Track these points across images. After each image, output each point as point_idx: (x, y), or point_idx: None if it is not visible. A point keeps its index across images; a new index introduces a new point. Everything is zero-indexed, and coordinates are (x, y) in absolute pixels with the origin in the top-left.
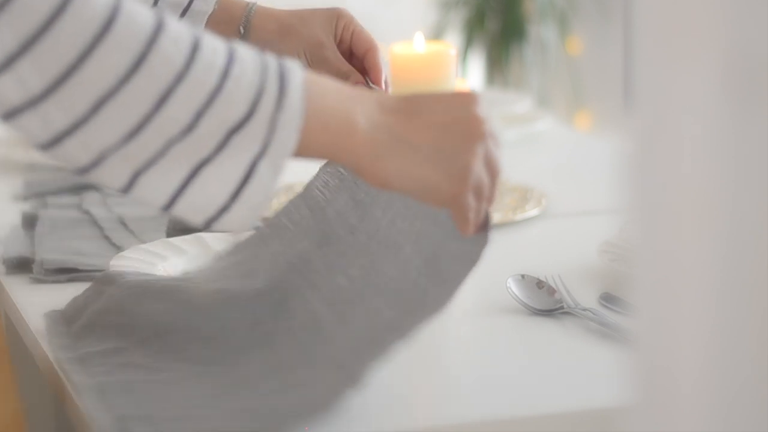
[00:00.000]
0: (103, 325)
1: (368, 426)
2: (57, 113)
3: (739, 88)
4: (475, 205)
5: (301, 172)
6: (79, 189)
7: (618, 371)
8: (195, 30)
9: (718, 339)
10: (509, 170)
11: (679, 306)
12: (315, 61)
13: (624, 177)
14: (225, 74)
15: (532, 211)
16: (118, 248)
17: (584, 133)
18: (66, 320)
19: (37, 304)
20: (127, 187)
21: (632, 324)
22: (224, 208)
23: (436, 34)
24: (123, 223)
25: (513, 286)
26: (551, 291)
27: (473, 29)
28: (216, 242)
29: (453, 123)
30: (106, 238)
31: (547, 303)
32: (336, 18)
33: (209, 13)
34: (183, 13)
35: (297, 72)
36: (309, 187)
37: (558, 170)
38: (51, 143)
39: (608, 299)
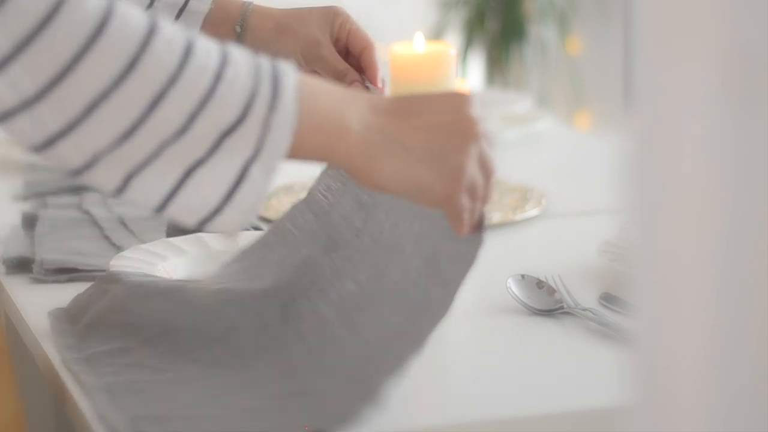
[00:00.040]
0: (108, 324)
1: (368, 426)
2: (50, 115)
3: (739, 88)
4: (470, 206)
5: (301, 173)
6: (79, 189)
7: (618, 371)
8: (188, 32)
9: (718, 339)
10: (509, 170)
11: (679, 306)
12: (312, 60)
13: (624, 177)
14: (218, 77)
15: (532, 211)
16: (118, 248)
17: (584, 133)
18: (70, 318)
19: (37, 304)
20: (120, 189)
21: (632, 324)
22: (217, 210)
23: (436, 34)
24: (123, 223)
25: (513, 286)
26: (551, 291)
27: (473, 29)
28: (216, 242)
29: (446, 124)
30: (106, 238)
31: (547, 303)
32: (333, 17)
33: (206, 12)
34: (179, 13)
35: (290, 74)
36: (312, 191)
37: (558, 170)
38: (44, 145)
39: (608, 299)
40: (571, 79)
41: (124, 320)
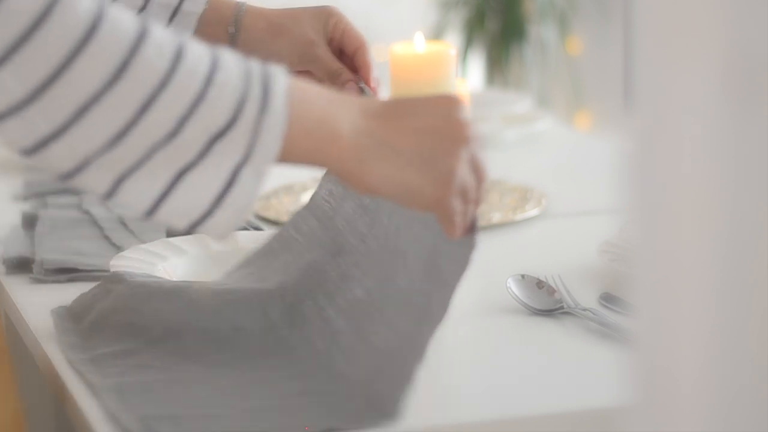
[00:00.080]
0: (113, 324)
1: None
2: (40, 119)
3: (739, 88)
4: (461, 209)
5: (301, 173)
6: (80, 189)
7: (618, 371)
8: (179, 36)
9: (718, 339)
10: (509, 170)
11: (679, 306)
12: (305, 60)
13: (624, 177)
14: (208, 81)
15: (532, 211)
16: (118, 248)
17: (584, 133)
18: (73, 317)
19: (37, 304)
20: (111, 193)
21: (632, 324)
22: (207, 214)
23: (436, 34)
24: (123, 223)
25: (513, 286)
26: (551, 291)
27: (473, 29)
28: (216, 242)
29: (436, 127)
30: (106, 238)
31: (547, 303)
32: (326, 16)
33: (200, 13)
34: (173, 14)
35: (281, 78)
36: (314, 197)
37: (558, 170)
38: (34, 149)
39: (608, 299)
40: (571, 79)
41: (128, 320)
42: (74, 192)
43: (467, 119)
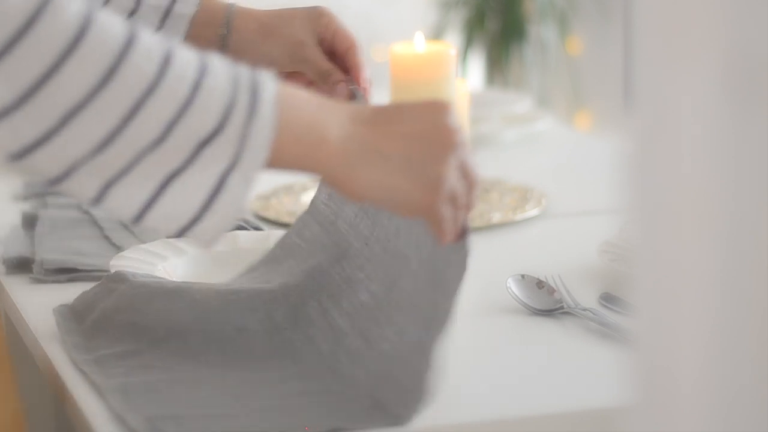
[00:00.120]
0: (116, 324)
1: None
2: (26, 125)
3: (739, 88)
4: (451, 215)
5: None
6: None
7: (618, 371)
8: (168, 42)
9: (718, 339)
10: (509, 170)
11: (679, 306)
12: (296, 61)
13: (624, 177)
14: (196, 86)
15: (532, 211)
16: (118, 248)
17: (584, 133)
18: (75, 316)
19: (37, 304)
20: (98, 199)
21: (632, 324)
22: (195, 219)
23: (436, 34)
24: (123, 223)
25: (513, 286)
26: (551, 291)
27: (473, 29)
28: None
29: (425, 133)
30: (106, 238)
31: (547, 303)
32: (317, 17)
33: (191, 15)
34: (165, 16)
35: (269, 84)
36: (314, 202)
37: (558, 170)
38: (20, 155)
39: (608, 299)
40: (571, 79)
41: (131, 320)
42: None
43: (456, 125)
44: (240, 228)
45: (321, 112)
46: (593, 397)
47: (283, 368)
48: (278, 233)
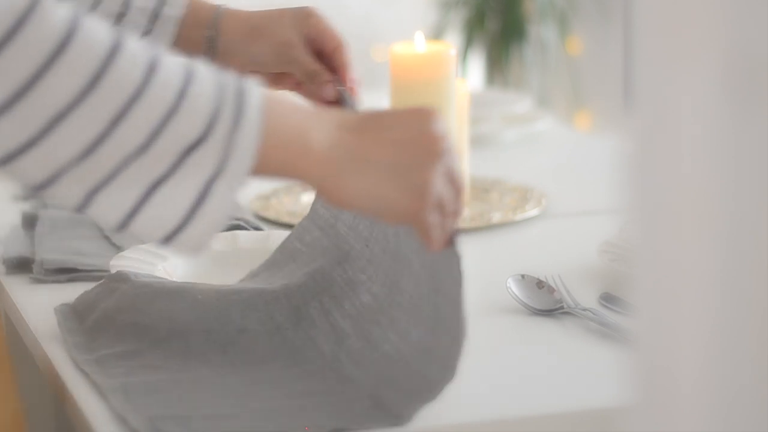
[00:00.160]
0: (117, 324)
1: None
2: (11, 131)
3: (739, 88)
4: (438, 221)
5: None
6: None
7: (618, 371)
8: (154, 48)
9: (718, 339)
10: (509, 170)
11: (679, 306)
12: (284, 62)
13: (624, 177)
14: (182, 93)
15: (532, 211)
16: (118, 248)
17: (584, 133)
18: (77, 316)
19: (37, 304)
20: (82, 206)
21: (632, 324)
22: (180, 227)
23: (436, 34)
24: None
25: (513, 286)
26: (551, 291)
27: (473, 29)
28: (216, 242)
29: (410, 140)
30: (106, 238)
31: (547, 303)
32: (305, 17)
33: (179, 17)
34: (153, 19)
35: (255, 91)
36: (314, 206)
37: (558, 170)
38: (4, 161)
39: (608, 299)
40: (571, 79)
41: (133, 320)
42: None
43: (442, 131)
44: (240, 228)
45: (307, 120)
46: (593, 397)
47: (284, 368)
48: (278, 233)
